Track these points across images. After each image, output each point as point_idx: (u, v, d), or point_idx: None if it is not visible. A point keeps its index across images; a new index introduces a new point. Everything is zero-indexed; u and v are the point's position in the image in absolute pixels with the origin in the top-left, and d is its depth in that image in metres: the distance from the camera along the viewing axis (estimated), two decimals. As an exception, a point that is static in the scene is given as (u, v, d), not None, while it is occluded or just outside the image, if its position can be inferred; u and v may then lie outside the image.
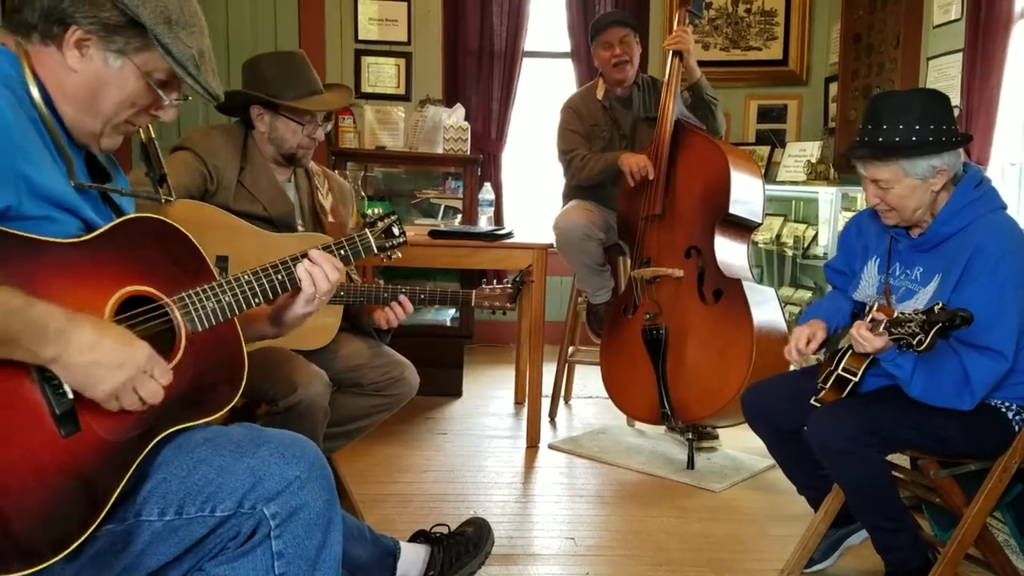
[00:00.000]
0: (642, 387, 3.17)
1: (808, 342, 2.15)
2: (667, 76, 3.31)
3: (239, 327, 1.44)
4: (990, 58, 3.11)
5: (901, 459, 2.20)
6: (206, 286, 1.37)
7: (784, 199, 4.75)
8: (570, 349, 3.86)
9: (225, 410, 1.38)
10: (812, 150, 4.50)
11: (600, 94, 3.63)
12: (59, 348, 1.12)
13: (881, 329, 1.85)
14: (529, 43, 5.06)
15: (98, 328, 1.17)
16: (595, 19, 3.75)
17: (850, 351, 2.02)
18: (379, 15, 5.07)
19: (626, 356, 3.27)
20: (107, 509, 1.20)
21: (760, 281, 3.71)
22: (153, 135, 1.55)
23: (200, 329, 1.35)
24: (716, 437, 3.45)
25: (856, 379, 2.03)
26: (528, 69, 5.13)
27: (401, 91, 5.11)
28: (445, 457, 3.26)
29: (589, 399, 4.11)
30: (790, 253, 4.50)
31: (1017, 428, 2.00)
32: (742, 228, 3.23)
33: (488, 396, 4.14)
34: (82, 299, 1.22)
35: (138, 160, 1.65)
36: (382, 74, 5.12)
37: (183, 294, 1.34)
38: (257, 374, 1.62)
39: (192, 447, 1.32)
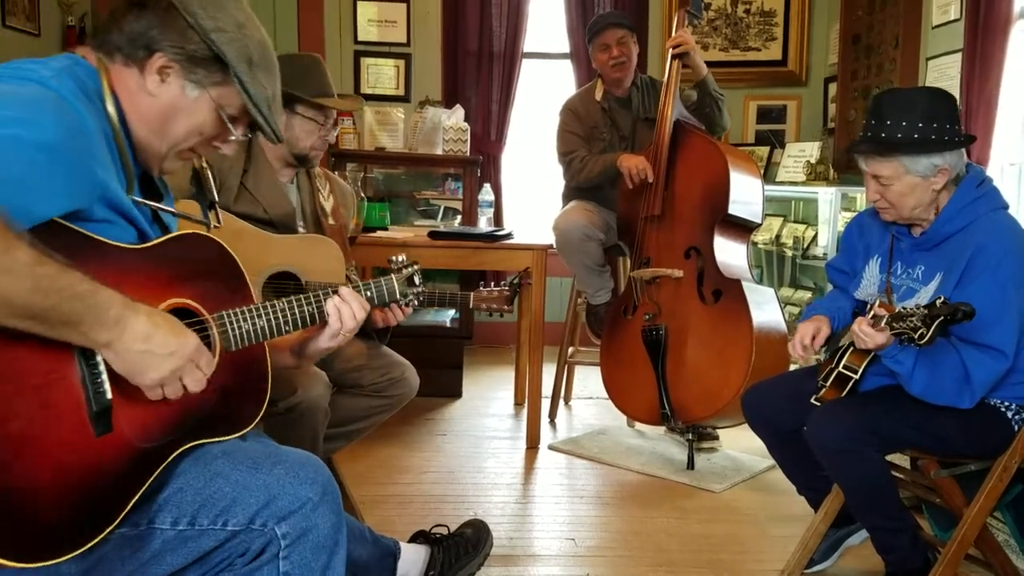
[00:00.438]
0: (642, 388, 3.17)
1: (813, 337, 2.15)
2: (666, 77, 3.30)
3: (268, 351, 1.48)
4: (989, 58, 3.11)
5: (901, 459, 2.19)
6: (244, 308, 1.41)
7: (783, 199, 4.76)
8: (570, 350, 3.85)
9: (250, 427, 1.42)
10: (811, 150, 4.50)
11: (599, 95, 3.62)
12: (115, 334, 1.15)
13: (883, 324, 1.85)
14: (528, 44, 5.07)
15: (152, 317, 1.20)
16: (592, 21, 3.73)
17: (851, 349, 2.02)
18: (378, 16, 5.07)
19: (626, 357, 3.27)
20: (124, 513, 1.21)
21: (760, 281, 3.71)
22: (206, 163, 1.60)
23: (233, 348, 1.39)
24: (716, 438, 3.45)
25: (857, 376, 2.03)
26: (527, 70, 5.14)
27: (400, 92, 5.12)
28: (445, 458, 3.25)
29: (589, 400, 4.11)
30: (789, 253, 4.51)
31: (1017, 428, 1.99)
32: (741, 228, 3.23)
33: (488, 397, 4.14)
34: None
35: (188, 185, 1.72)
36: (381, 75, 5.12)
37: (223, 312, 1.38)
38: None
39: (210, 459, 1.34)
